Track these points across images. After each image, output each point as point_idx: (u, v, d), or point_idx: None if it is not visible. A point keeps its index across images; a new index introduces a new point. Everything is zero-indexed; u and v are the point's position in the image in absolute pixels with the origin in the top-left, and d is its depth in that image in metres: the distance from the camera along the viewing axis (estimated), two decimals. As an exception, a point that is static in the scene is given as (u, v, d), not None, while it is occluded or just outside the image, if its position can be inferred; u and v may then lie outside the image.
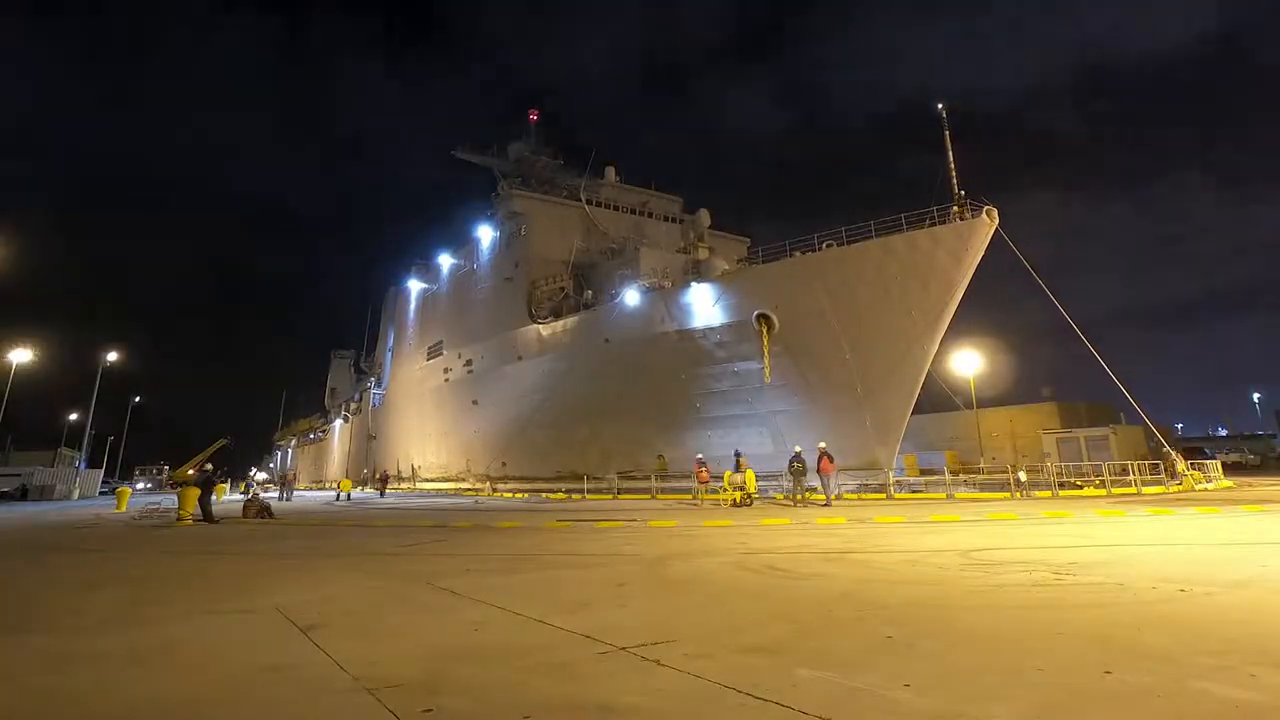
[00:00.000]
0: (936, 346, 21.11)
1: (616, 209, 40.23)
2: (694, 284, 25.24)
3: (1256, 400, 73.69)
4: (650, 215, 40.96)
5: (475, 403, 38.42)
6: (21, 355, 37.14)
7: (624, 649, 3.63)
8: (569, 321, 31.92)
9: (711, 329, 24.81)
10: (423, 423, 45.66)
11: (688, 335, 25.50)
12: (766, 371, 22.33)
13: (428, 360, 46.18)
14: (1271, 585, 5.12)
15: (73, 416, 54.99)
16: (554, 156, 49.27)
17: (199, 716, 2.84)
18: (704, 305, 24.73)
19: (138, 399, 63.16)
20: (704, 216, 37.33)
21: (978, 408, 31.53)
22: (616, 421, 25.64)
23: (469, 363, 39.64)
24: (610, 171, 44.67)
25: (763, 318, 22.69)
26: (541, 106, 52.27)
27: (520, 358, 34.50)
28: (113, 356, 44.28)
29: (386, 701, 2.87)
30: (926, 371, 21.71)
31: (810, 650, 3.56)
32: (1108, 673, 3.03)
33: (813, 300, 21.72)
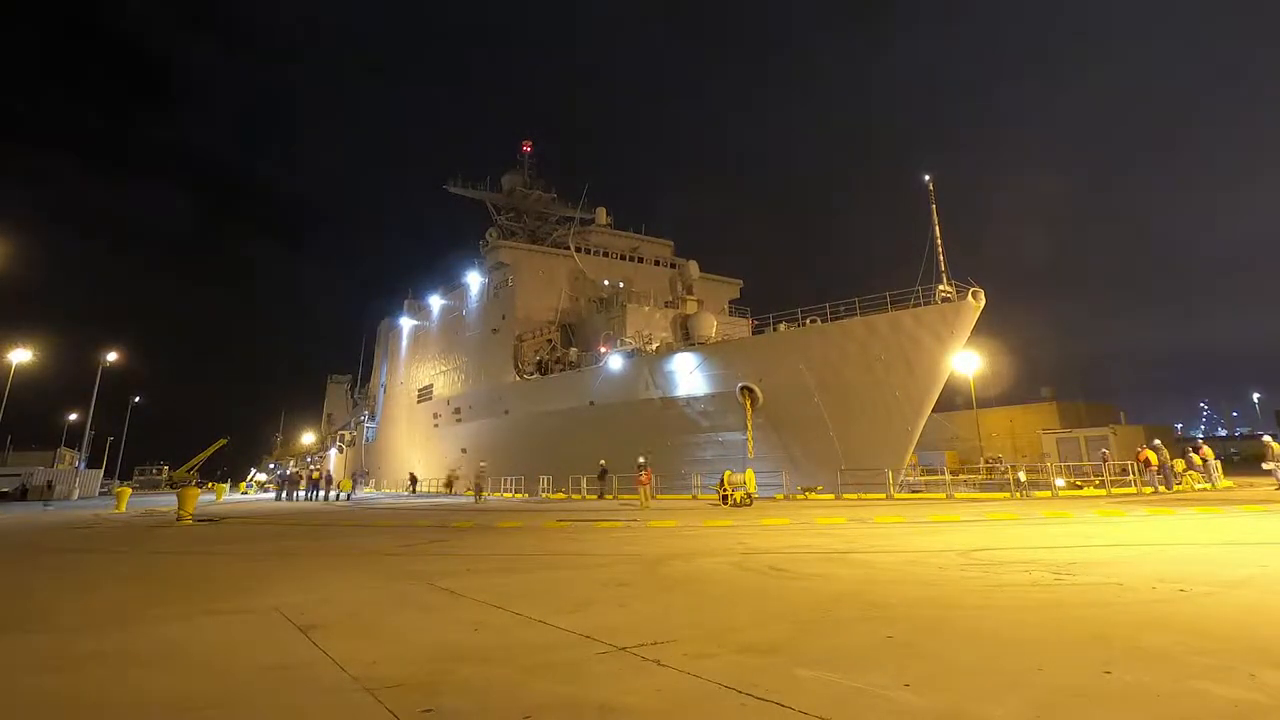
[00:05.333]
0: (921, 428, 20.85)
1: (606, 255, 40.29)
2: (677, 353, 25.24)
3: (1256, 400, 73.86)
4: (640, 260, 40.96)
5: (464, 450, 38.70)
6: (21, 355, 37.10)
7: (624, 649, 3.63)
8: (555, 380, 31.97)
9: (695, 398, 24.71)
10: (412, 462, 45.73)
11: (672, 403, 25.46)
12: (750, 446, 22.13)
13: (418, 403, 46.35)
14: (1271, 585, 5.12)
15: (72, 417, 54.93)
16: (546, 189, 49.50)
17: (198, 717, 2.84)
18: (686, 372, 24.70)
19: (137, 399, 63.09)
20: (693, 267, 37.29)
21: (977, 407, 31.51)
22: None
23: (458, 411, 39.94)
24: (602, 213, 44.76)
25: (746, 390, 22.56)
26: (535, 138, 52.74)
27: (507, 412, 34.66)
28: (112, 356, 44.21)
29: (386, 701, 2.87)
30: (911, 451, 21.49)
31: (810, 650, 3.56)
32: (1107, 673, 3.03)
33: (796, 376, 21.53)
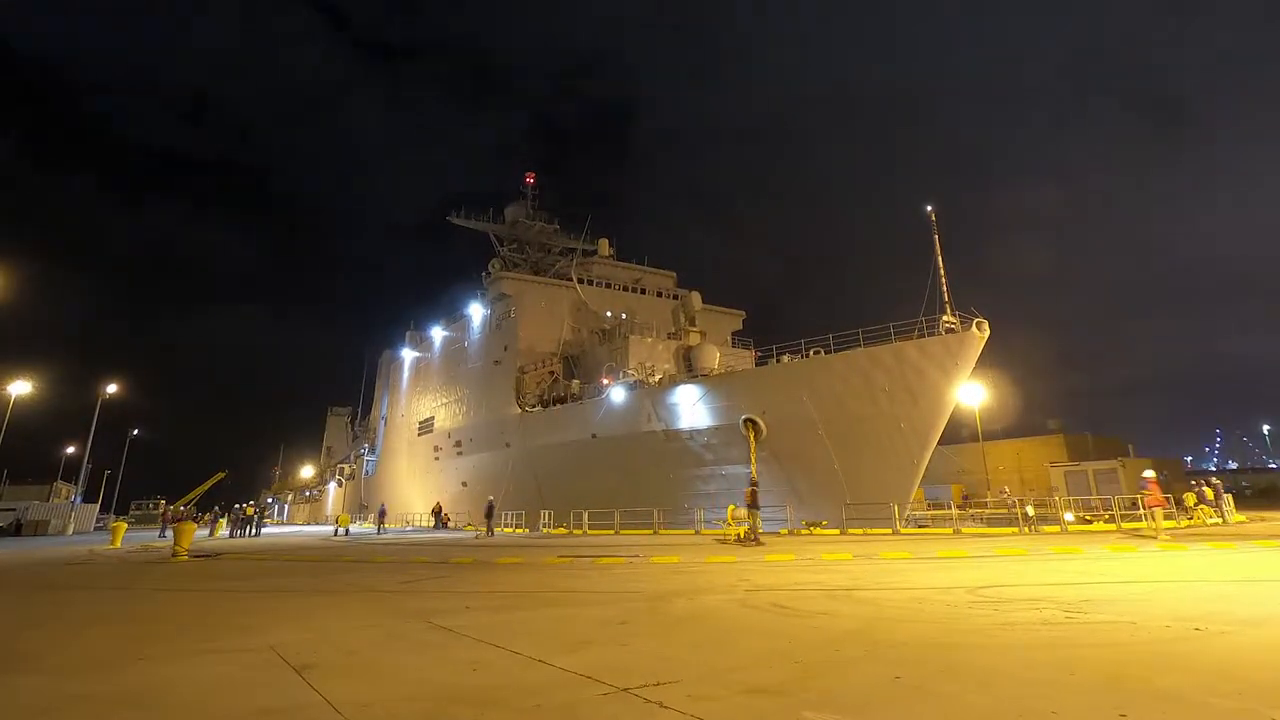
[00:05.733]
0: (928, 460, 20.70)
1: (609, 286, 40.62)
2: (680, 385, 25.22)
3: (1266, 432, 73.11)
4: (643, 291, 41.23)
5: (465, 485, 38.25)
6: (20, 388, 37.09)
7: (626, 690, 3.54)
8: (556, 413, 31.81)
9: (699, 431, 24.53)
10: (412, 497, 45.15)
11: (675, 435, 25.26)
12: (754, 478, 22.15)
13: (419, 435, 46.08)
14: (1289, 624, 5.00)
15: (70, 449, 54.55)
16: (549, 220, 50.38)
17: (188, 761, 2.76)
18: (689, 404, 24.63)
19: (135, 432, 62.59)
20: (695, 299, 37.55)
21: (983, 440, 31.24)
22: (605, 518, 24.68)
23: (459, 444, 39.64)
24: (604, 244, 45.37)
25: (750, 423, 22.41)
26: (538, 170, 54.08)
27: (509, 445, 34.30)
28: (112, 389, 44.03)
29: (381, 745, 2.79)
30: (918, 485, 21.31)
31: (817, 691, 3.47)
32: (1123, 716, 2.95)
33: (799, 408, 21.41)
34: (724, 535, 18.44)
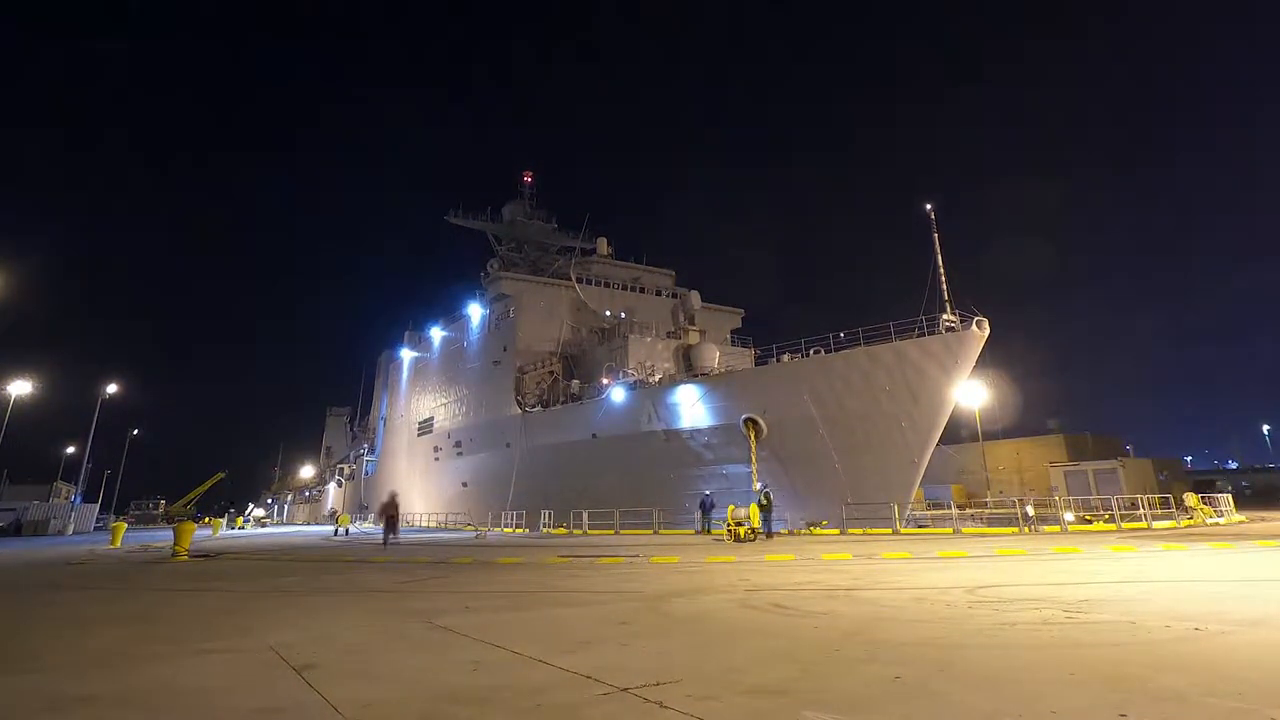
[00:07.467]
0: (928, 458, 20.69)
1: (607, 285, 40.70)
2: (680, 385, 25.26)
3: (1266, 432, 73.05)
4: (642, 290, 41.34)
5: (465, 485, 38.28)
6: (21, 387, 37.07)
7: (626, 690, 3.54)
8: (556, 413, 31.86)
9: (699, 430, 24.54)
10: (413, 498, 45.29)
11: (675, 435, 25.30)
12: (754, 478, 21.97)
13: (418, 436, 46.08)
14: (1289, 623, 5.00)
15: (70, 449, 54.53)
16: (547, 219, 50.36)
17: (188, 761, 2.76)
18: (689, 404, 24.65)
19: (135, 432, 62.56)
20: (694, 298, 37.26)
21: (984, 440, 31.25)
22: (605, 518, 24.65)
23: (458, 444, 39.70)
24: (603, 243, 45.33)
25: (750, 422, 22.43)
26: (535, 168, 54.06)
27: (509, 445, 34.32)
28: (112, 389, 44.03)
29: (381, 745, 2.79)
30: (918, 484, 21.38)
31: (817, 691, 3.47)
32: (1123, 716, 2.95)
33: (800, 408, 21.44)
34: (723, 534, 18.42)
